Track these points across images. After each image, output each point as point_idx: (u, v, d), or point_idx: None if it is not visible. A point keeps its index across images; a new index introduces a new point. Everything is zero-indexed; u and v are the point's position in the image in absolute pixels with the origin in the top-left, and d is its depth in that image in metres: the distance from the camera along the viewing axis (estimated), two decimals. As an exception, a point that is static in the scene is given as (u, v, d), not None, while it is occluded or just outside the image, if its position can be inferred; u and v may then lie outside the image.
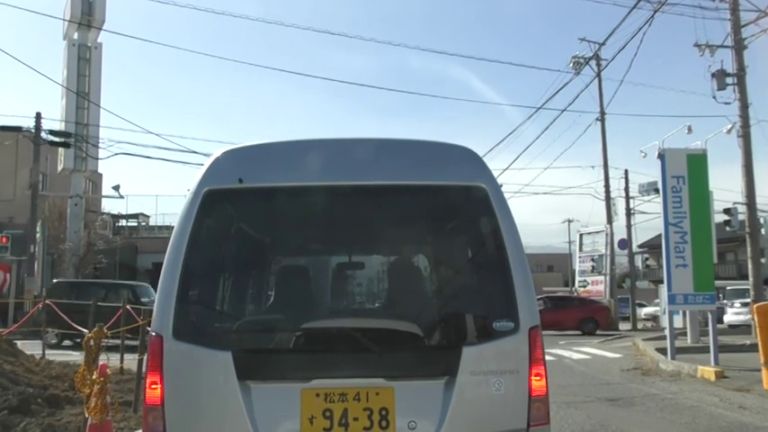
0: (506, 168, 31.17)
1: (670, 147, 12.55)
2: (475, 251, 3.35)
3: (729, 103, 17.63)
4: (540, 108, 24.22)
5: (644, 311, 33.71)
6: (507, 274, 2.92)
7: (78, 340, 11.78)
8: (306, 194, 3.10)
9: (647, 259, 51.45)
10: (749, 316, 18.72)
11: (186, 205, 3.01)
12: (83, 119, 28.92)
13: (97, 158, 29.77)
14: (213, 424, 2.78)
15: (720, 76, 17.61)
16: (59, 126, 28.08)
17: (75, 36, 30.51)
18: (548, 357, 3.12)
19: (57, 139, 26.89)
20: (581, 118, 33.30)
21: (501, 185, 3.29)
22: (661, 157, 12.24)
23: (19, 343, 11.35)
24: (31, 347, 12.17)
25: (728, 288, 31.43)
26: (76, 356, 10.86)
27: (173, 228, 3.08)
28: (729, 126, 16.33)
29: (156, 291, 3.02)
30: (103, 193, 40.86)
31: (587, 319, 24.63)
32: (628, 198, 31.69)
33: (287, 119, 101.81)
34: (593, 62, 28.38)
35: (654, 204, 28.87)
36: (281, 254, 4.02)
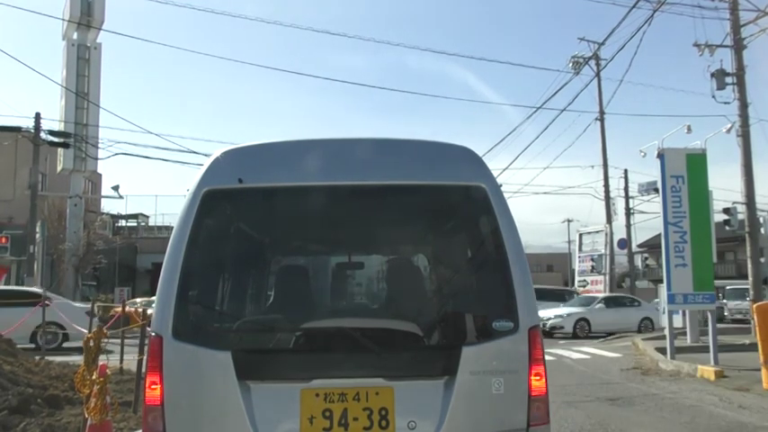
0: (506, 168, 31.07)
1: (669, 146, 12.52)
2: (474, 251, 3.34)
3: (729, 103, 17.62)
4: (539, 108, 24.19)
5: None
6: (507, 274, 2.92)
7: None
8: (305, 194, 3.10)
9: (646, 259, 51.43)
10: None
11: (186, 205, 3.01)
12: (82, 119, 28.90)
13: (96, 158, 29.75)
14: (213, 424, 2.78)
15: (720, 75, 17.59)
16: (59, 126, 28.07)
17: (75, 36, 30.49)
18: (547, 357, 3.12)
19: (56, 140, 26.87)
20: (580, 118, 33.51)
21: (500, 185, 3.29)
22: (660, 156, 12.23)
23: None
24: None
25: (728, 288, 31.45)
26: (76, 357, 10.85)
27: (172, 228, 3.08)
28: (729, 125, 16.24)
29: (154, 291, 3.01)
30: (103, 193, 40.95)
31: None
32: (627, 198, 31.76)
33: (286, 118, 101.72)
34: (592, 62, 28.31)
35: (653, 204, 28.91)
36: (280, 254, 4.01)
